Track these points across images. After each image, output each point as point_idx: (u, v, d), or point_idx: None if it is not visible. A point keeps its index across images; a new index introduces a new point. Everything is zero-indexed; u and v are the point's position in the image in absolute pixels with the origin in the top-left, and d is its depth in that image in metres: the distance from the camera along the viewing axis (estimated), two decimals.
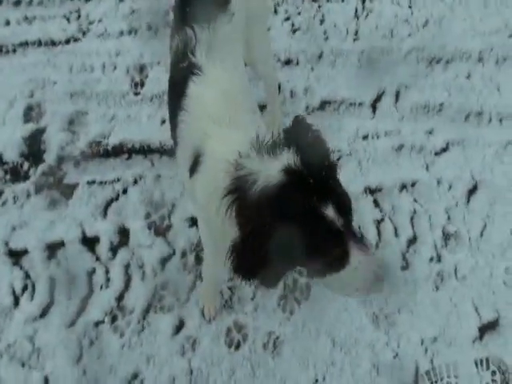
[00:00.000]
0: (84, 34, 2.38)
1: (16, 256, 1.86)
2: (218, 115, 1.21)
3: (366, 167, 2.03)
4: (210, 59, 1.31)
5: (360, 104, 2.15)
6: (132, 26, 2.38)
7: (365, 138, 2.09)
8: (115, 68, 2.25)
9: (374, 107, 2.16)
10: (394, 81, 2.18)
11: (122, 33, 2.37)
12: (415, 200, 1.96)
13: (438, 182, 2.00)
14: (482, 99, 2.16)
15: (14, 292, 1.80)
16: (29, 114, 2.13)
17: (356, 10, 2.36)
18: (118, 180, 1.97)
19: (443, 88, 2.19)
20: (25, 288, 1.81)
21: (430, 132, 2.11)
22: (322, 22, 2.31)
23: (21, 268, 1.83)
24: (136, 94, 2.19)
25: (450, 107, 2.15)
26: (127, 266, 1.83)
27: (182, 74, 1.31)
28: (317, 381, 1.69)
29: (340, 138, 2.06)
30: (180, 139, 1.29)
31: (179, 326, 1.77)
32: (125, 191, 1.95)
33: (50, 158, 2.03)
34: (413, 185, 1.98)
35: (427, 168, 2.03)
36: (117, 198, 1.94)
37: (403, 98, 2.17)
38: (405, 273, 1.84)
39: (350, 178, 1.97)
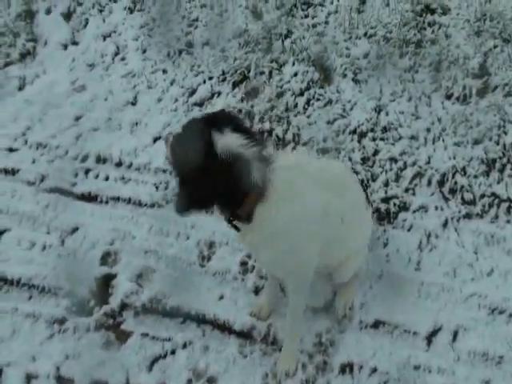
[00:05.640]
0: (167, 202, 3.10)
1: (63, 383, 2.24)
2: None
3: None
4: None
5: (415, 333, 2.55)
6: None
7: (416, 368, 2.44)
8: (188, 238, 2.88)
9: (429, 340, 2.54)
10: (453, 320, 2.59)
11: None
12: None
13: None
14: None
15: None
16: (106, 258, 2.73)
17: (420, 242, 2.91)
18: (169, 340, 2.43)
19: (504, 341, 2.54)
20: None
21: (487, 382, 2.42)
22: (385, 245, 2.89)
23: None
24: (201, 265, 2.76)
25: (511, 362, 2.47)
26: None
27: None
28: None
29: (390, 361, 2.44)
30: None
31: None
32: (173, 352, 2.39)
33: (114, 302, 2.52)
34: None
35: None
36: (164, 356, 2.38)
37: (461, 340, 2.54)
38: None
39: None
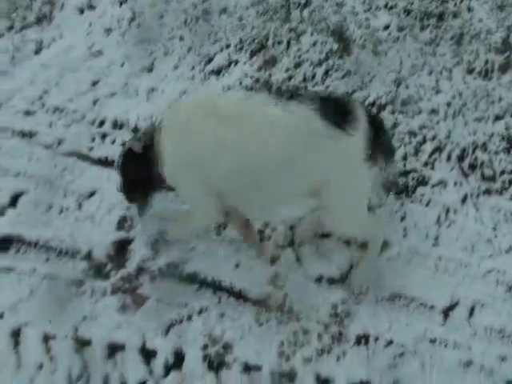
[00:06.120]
0: None
1: (80, 344, 2.24)
2: None
3: (429, 372, 2.33)
4: None
5: (431, 307, 2.53)
6: None
7: (432, 341, 2.41)
8: None
9: (446, 314, 2.51)
10: (470, 295, 2.56)
11: None
12: None
13: None
14: None
15: (69, 377, 2.15)
16: (122, 223, 2.70)
17: (439, 217, 2.86)
18: (185, 306, 2.41)
19: None
20: (80, 377, 2.15)
21: (503, 359, 2.39)
22: (402, 219, 2.84)
23: (81, 357, 2.20)
24: (218, 233, 2.73)
25: None
26: None
27: None
28: None
29: (406, 334, 2.42)
30: None
31: None
32: (189, 318, 2.38)
33: (131, 266, 2.51)
34: None
35: None
36: (180, 322, 2.37)
37: (478, 316, 2.50)
38: None
39: (411, 376, 2.31)
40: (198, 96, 2.49)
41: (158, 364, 2.22)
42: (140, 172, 2.24)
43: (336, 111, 2.04)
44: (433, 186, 3.01)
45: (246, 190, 2.15)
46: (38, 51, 3.69)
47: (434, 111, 3.44)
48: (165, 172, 2.19)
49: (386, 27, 4.16)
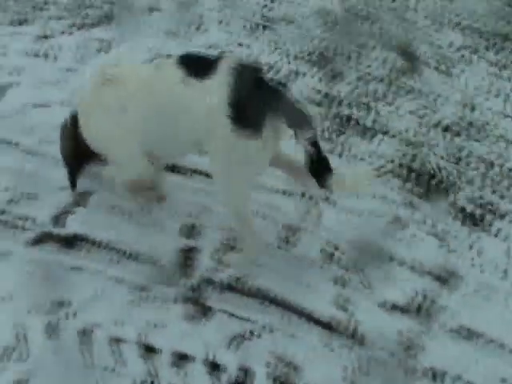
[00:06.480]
0: None
1: (147, 350, 2.20)
2: None
3: None
4: None
5: (501, 345, 2.41)
6: (287, 187, 2.96)
7: (503, 381, 2.29)
8: (266, 218, 2.78)
9: None
10: None
11: (277, 190, 2.96)
12: None
13: None
14: None
15: (135, 382, 2.11)
16: (189, 231, 2.66)
17: (509, 249, 2.77)
18: (251, 321, 2.34)
19: None
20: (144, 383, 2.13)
21: None
22: (475, 250, 2.76)
23: (147, 363, 2.16)
24: (283, 249, 2.66)
25: None
26: None
27: None
28: None
29: (476, 371, 2.31)
30: None
31: None
32: (254, 334, 2.30)
33: (197, 276, 2.48)
34: None
35: None
36: (246, 337, 2.31)
37: None
38: None
39: None
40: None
41: (224, 379, 2.17)
42: (72, 148, 2.55)
43: (196, 64, 2.20)
44: (506, 219, 2.94)
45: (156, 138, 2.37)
46: (102, 50, 3.72)
47: (502, 137, 3.38)
48: (91, 142, 2.48)
49: (454, 46, 4.11)
